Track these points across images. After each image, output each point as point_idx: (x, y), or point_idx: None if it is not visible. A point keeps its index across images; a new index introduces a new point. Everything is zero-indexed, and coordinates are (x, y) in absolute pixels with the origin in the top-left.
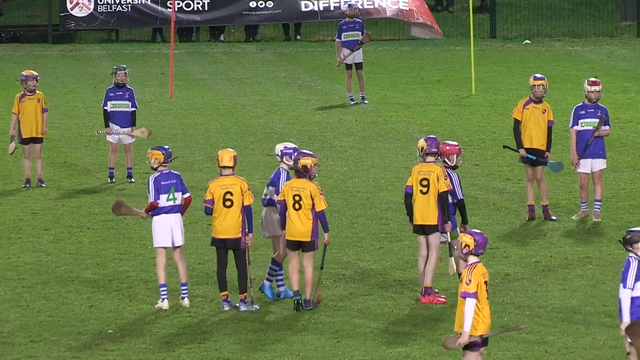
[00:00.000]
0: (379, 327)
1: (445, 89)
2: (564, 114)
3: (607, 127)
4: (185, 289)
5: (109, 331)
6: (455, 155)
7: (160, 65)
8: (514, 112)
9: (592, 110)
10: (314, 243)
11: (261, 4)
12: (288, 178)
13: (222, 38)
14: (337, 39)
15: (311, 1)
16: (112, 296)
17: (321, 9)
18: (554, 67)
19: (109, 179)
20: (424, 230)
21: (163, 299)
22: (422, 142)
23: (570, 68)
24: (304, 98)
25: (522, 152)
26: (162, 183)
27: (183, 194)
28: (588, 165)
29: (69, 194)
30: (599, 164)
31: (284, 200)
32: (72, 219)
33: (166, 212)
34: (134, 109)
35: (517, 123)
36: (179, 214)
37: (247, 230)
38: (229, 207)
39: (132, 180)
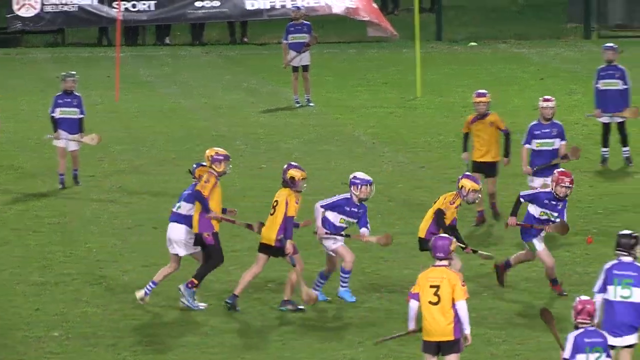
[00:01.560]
0: (326, 330)
1: (391, 92)
2: (511, 116)
3: (563, 142)
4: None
5: (55, 334)
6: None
7: (106, 68)
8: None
9: (548, 130)
10: (280, 250)
11: (207, 3)
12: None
13: (167, 41)
14: (284, 41)
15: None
16: (58, 299)
17: (267, 7)
18: (500, 69)
19: (59, 185)
20: None
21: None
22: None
23: (517, 70)
24: (250, 101)
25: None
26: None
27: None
28: (540, 182)
29: (16, 197)
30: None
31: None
32: (19, 222)
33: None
34: (82, 115)
35: (465, 135)
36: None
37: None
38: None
39: (79, 183)
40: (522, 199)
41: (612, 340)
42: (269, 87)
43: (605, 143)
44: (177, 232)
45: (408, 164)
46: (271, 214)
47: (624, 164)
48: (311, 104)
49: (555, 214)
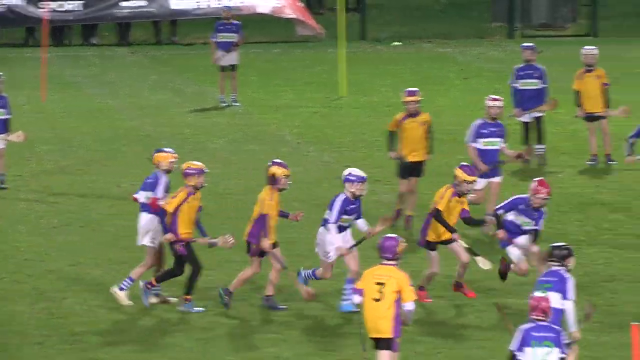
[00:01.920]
0: (249, 328)
1: (316, 91)
2: (435, 115)
3: (504, 144)
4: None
5: None
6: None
7: (33, 69)
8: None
9: (494, 129)
10: (250, 245)
11: (133, 3)
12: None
13: (94, 41)
14: (212, 39)
15: None
16: None
17: (193, 7)
18: (425, 68)
19: None
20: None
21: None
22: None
23: (441, 70)
24: (176, 101)
25: None
26: None
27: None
28: (484, 184)
29: None
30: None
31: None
32: None
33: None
34: (8, 116)
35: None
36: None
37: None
38: None
39: (4, 186)
40: (500, 212)
41: None
42: (195, 87)
43: (526, 141)
44: (141, 221)
45: (333, 164)
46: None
47: (535, 163)
48: (236, 104)
49: (532, 222)
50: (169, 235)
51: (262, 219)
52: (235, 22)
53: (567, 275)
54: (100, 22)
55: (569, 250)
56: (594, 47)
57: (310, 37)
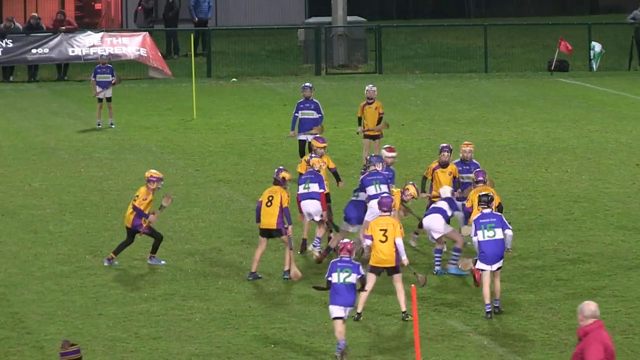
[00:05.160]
0: (127, 291)
1: (174, 115)
2: (262, 132)
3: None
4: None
5: None
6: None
7: None
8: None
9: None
10: (280, 231)
11: (40, 50)
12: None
13: (11, 79)
14: (92, 78)
15: (76, 47)
16: None
17: (83, 53)
18: (254, 98)
19: None
20: None
21: None
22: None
23: (266, 99)
24: (71, 122)
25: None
26: None
27: None
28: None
29: None
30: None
31: (261, 200)
32: None
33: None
34: None
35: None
36: None
37: None
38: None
39: None
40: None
41: (487, 267)
42: (84, 112)
43: (301, 155)
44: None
45: (187, 168)
46: (268, 206)
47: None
48: (113, 126)
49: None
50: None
51: (286, 210)
52: (109, 65)
53: (499, 213)
54: (16, 65)
55: (491, 196)
56: (373, 85)
57: (162, 80)
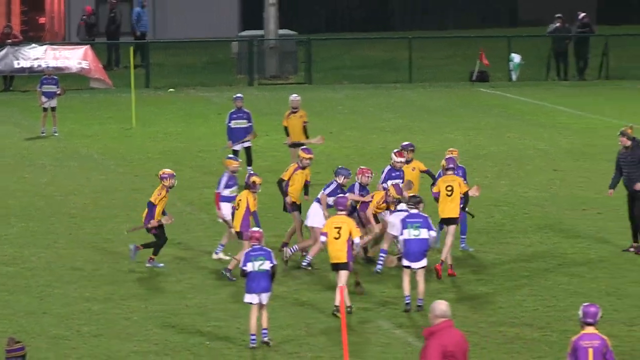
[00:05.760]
0: (69, 291)
1: (114, 123)
2: (198, 139)
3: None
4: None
5: None
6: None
7: None
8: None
9: (399, 173)
10: (241, 234)
11: None
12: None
13: None
14: (38, 89)
15: (21, 60)
16: None
17: (28, 66)
18: (190, 107)
19: None
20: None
21: None
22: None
23: (202, 108)
24: (16, 130)
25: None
26: None
27: None
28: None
29: None
30: None
31: (233, 206)
32: None
33: None
34: None
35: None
36: None
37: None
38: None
39: None
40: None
41: (413, 265)
42: (29, 122)
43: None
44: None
45: (126, 174)
46: (236, 209)
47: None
48: (56, 134)
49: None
50: (154, 222)
51: (254, 214)
52: (55, 77)
53: (425, 215)
54: None
55: (420, 198)
56: (297, 95)
57: (103, 90)
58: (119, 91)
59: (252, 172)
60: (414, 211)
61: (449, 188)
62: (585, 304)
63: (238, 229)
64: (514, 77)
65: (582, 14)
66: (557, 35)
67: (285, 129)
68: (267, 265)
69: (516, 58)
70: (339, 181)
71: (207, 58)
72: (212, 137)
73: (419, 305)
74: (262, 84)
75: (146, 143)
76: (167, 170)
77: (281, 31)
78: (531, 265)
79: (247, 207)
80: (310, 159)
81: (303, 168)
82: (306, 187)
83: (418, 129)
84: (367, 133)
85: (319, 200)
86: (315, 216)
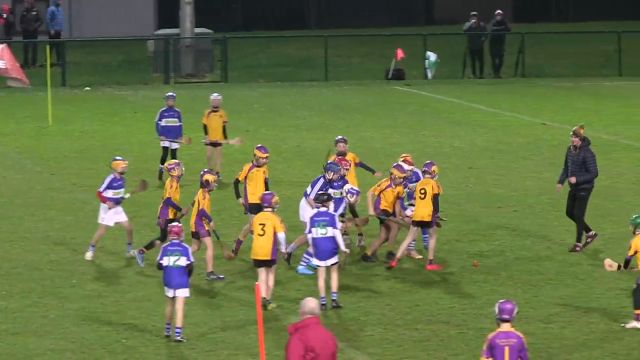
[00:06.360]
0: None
1: (31, 122)
2: (113, 138)
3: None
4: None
5: None
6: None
7: None
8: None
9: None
10: (198, 233)
11: None
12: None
13: None
14: None
15: None
16: None
17: None
18: (106, 106)
19: None
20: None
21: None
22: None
23: (118, 106)
24: None
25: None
26: None
27: None
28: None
29: None
30: None
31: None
32: None
33: None
34: None
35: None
36: None
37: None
38: None
39: None
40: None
41: (322, 264)
42: None
43: (163, 161)
44: None
45: (43, 172)
46: (193, 206)
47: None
48: None
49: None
50: (185, 208)
51: (202, 212)
52: None
53: (333, 213)
54: None
55: (329, 196)
56: (218, 94)
57: (20, 88)
58: (35, 90)
59: (205, 170)
60: (322, 209)
61: (422, 191)
62: (502, 300)
63: (193, 229)
64: (429, 75)
65: (498, 12)
66: (473, 33)
67: (205, 127)
68: (182, 262)
69: (432, 56)
70: (328, 177)
71: (123, 57)
72: (127, 136)
73: (334, 300)
74: (178, 83)
75: (63, 142)
76: (172, 161)
77: (197, 29)
78: (447, 263)
79: (198, 206)
80: (266, 157)
81: (259, 166)
82: (266, 184)
83: (334, 127)
84: (283, 131)
85: (306, 195)
86: (305, 210)
